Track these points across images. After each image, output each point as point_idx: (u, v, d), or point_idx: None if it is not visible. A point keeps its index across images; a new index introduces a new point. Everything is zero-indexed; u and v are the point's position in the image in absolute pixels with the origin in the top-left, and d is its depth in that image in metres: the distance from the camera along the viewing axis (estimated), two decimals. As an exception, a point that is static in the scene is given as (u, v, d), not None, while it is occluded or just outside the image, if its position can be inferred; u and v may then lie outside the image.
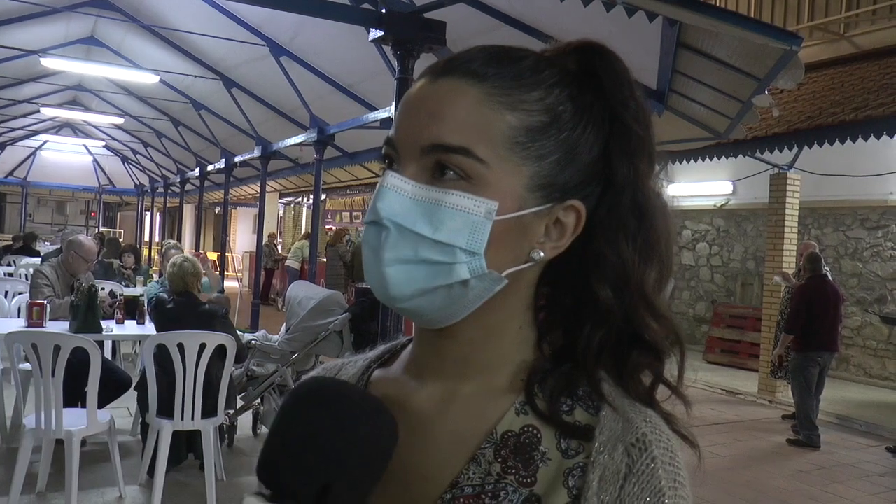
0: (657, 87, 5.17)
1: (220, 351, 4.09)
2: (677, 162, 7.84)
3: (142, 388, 4.23)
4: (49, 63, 9.04)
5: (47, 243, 16.13)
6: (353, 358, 0.80)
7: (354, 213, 18.39)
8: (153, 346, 4.01)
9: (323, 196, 12.90)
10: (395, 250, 0.61)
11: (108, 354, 5.72)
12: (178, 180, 16.81)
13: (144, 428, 4.38)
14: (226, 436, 5.03)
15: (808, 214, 9.56)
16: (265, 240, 12.98)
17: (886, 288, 9.15)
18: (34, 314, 4.69)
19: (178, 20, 8.45)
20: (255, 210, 16.42)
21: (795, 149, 7.31)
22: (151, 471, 4.09)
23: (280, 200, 21.23)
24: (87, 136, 18.35)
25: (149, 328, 4.94)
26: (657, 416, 0.64)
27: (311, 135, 8.26)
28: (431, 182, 0.61)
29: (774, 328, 7.81)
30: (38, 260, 9.60)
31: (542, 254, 0.64)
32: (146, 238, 21.96)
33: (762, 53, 4.31)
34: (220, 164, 12.54)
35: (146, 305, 5.23)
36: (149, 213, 22.41)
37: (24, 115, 15.27)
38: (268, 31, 7.46)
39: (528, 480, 0.61)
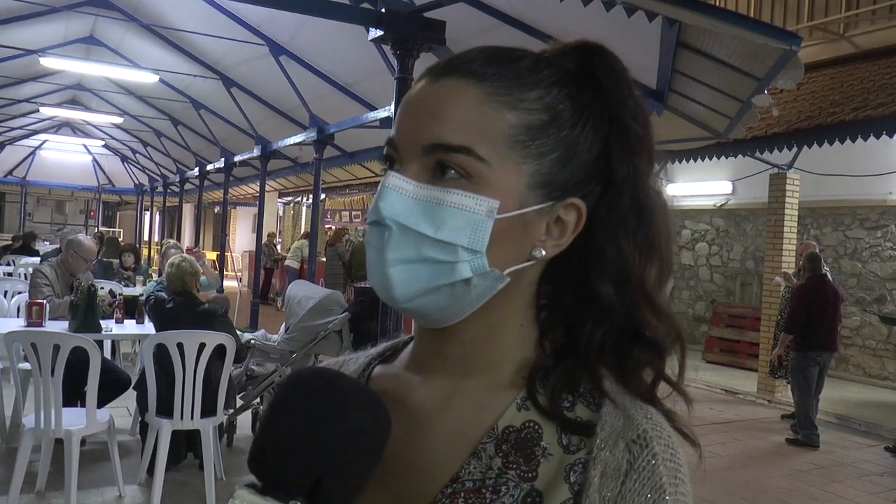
0: (657, 87, 5.17)
1: (220, 350, 4.09)
2: (677, 162, 7.85)
3: (141, 387, 4.23)
4: (48, 62, 9.03)
5: (46, 243, 16.14)
6: (355, 355, 0.80)
7: (354, 213, 18.40)
8: (152, 345, 4.02)
9: (322, 195, 12.88)
10: (398, 250, 0.61)
11: (107, 354, 5.72)
12: (178, 180, 16.81)
13: (144, 427, 4.38)
14: (225, 435, 5.03)
15: (808, 214, 9.56)
16: (264, 239, 12.98)
17: (886, 288, 9.16)
18: (33, 314, 4.69)
19: (177, 19, 8.45)
20: (255, 209, 16.41)
21: (795, 149, 7.31)
22: (151, 470, 4.09)
23: (279, 200, 21.23)
24: (87, 135, 18.34)
25: (148, 328, 4.94)
26: (658, 413, 0.64)
27: (311, 134, 8.26)
28: (433, 182, 0.62)
29: (774, 328, 7.82)
30: (37, 259, 9.60)
31: (543, 252, 0.64)
32: (145, 237, 21.95)
33: (762, 53, 4.31)
34: (220, 164, 12.53)
35: (145, 305, 5.23)
36: (148, 213, 22.40)
37: (24, 115, 15.27)
38: (267, 30, 7.46)
39: (530, 475, 0.61)
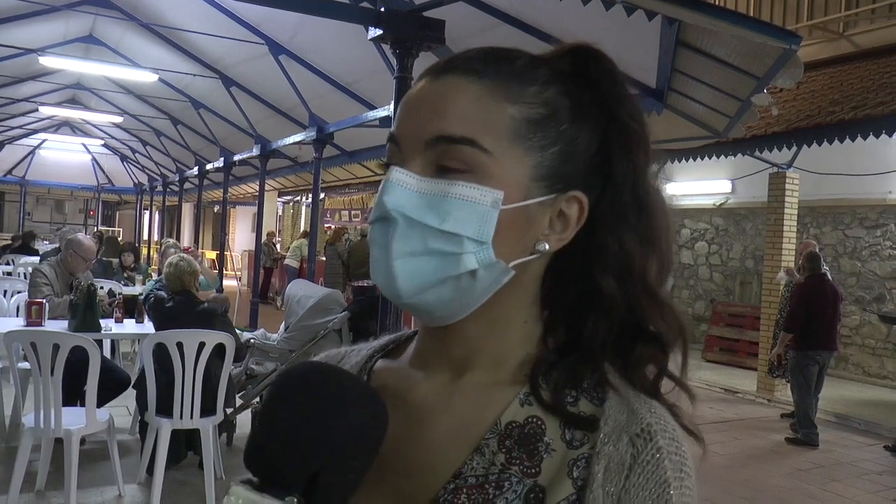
0: (656, 86, 5.17)
1: (220, 349, 4.09)
2: (676, 161, 7.85)
3: (141, 386, 4.23)
4: (48, 62, 9.02)
5: (46, 242, 16.12)
6: (357, 347, 0.80)
7: (353, 212, 18.39)
8: (152, 344, 4.02)
9: (322, 195, 12.90)
10: (404, 242, 0.61)
11: (107, 353, 5.71)
12: (177, 179, 16.79)
13: (143, 426, 4.38)
14: (224, 434, 5.03)
15: (807, 213, 9.56)
16: (263, 238, 12.98)
17: (885, 287, 9.16)
18: (33, 313, 4.69)
19: (176, 19, 8.44)
20: (254, 209, 16.41)
21: (794, 147, 7.31)
22: (151, 469, 4.09)
23: (279, 199, 21.22)
24: (86, 134, 18.33)
25: (148, 327, 4.93)
26: (662, 408, 0.64)
27: (310, 133, 8.26)
28: (437, 175, 0.62)
29: (773, 327, 7.82)
30: (36, 259, 9.60)
31: (547, 246, 0.64)
32: (145, 237, 21.94)
33: (761, 52, 4.31)
34: (219, 163, 12.53)
35: (144, 304, 5.23)
36: (147, 212, 22.38)
37: (23, 114, 15.25)
38: (267, 29, 7.45)
39: (533, 471, 0.61)
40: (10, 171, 21.10)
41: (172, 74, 9.83)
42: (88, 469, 4.41)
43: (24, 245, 12.84)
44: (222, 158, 12.30)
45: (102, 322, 4.85)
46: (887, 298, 9.12)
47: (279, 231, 21.45)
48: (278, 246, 18.41)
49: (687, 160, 7.83)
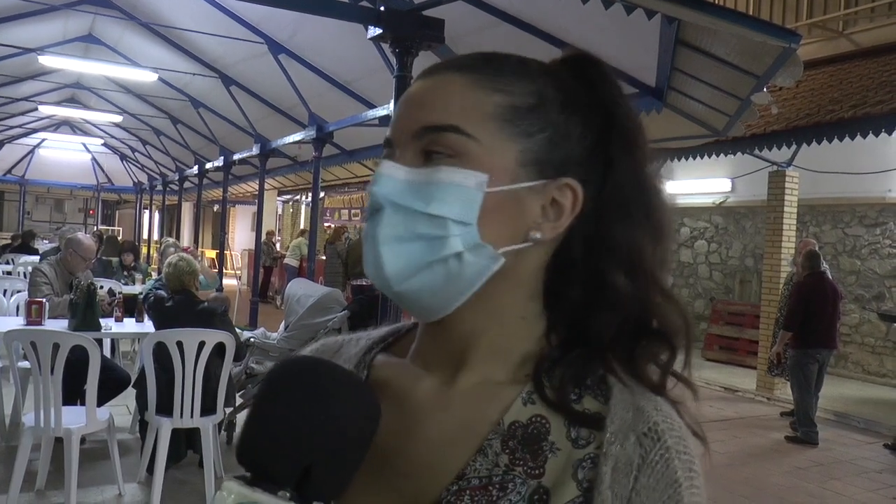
0: (656, 85, 5.17)
1: (220, 349, 4.09)
2: (676, 159, 7.85)
3: (141, 385, 4.23)
4: (47, 61, 9.02)
5: (45, 241, 16.12)
6: (356, 336, 0.79)
7: (353, 211, 18.39)
8: (152, 343, 4.02)
9: (321, 194, 12.89)
10: (390, 227, 0.62)
11: (106, 352, 5.72)
12: (177, 178, 16.79)
13: (143, 426, 4.38)
14: (224, 433, 5.03)
15: (807, 212, 9.56)
16: (263, 237, 12.98)
17: (884, 285, 9.17)
18: (33, 312, 4.69)
19: (176, 18, 8.44)
20: (254, 208, 16.41)
21: (794, 146, 7.31)
22: (151, 468, 4.09)
23: (279, 198, 21.23)
24: (86, 133, 18.33)
25: (147, 326, 4.94)
26: (667, 405, 0.63)
27: (310, 132, 8.26)
28: (424, 164, 0.63)
29: (773, 325, 7.82)
30: (36, 258, 9.60)
31: (539, 234, 0.64)
32: (145, 236, 21.94)
33: (761, 51, 4.31)
34: (219, 162, 12.52)
35: (143, 303, 5.23)
36: (147, 211, 22.38)
37: (23, 113, 15.25)
38: (266, 28, 7.45)
39: (537, 472, 0.61)
40: (9, 171, 21.10)
41: (172, 74, 9.83)
42: (88, 468, 4.42)
43: (23, 244, 12.84)
44: (222, 157, 12.29)
45: (102, 321, 4.85)
46: (887, 297, 9.12)
47: (279, 230, 21.45)
48: (278, 245, 18.41)
49: (686, 159, 7.83)
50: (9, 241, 14.10)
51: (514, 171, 0.63)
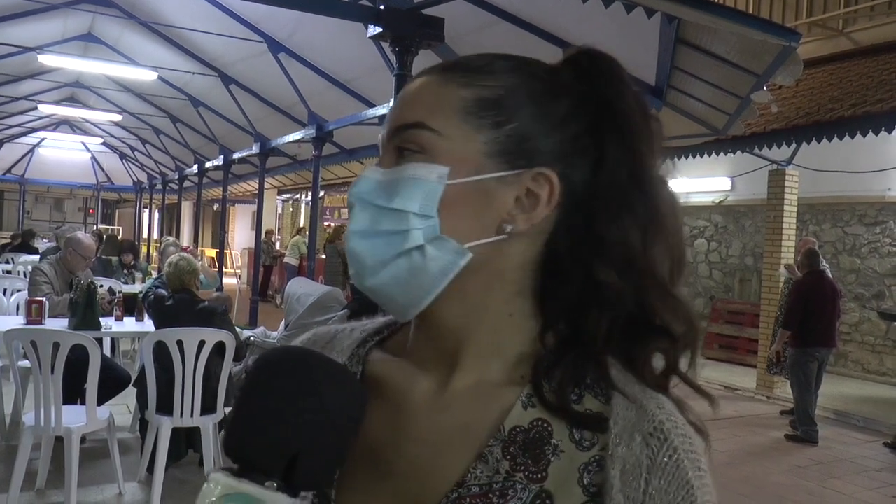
0: (656, 83, 5.17)
1: (220, 348, 4.09)
2: (676, 158, 7.80)
3: (141, 384, 4.23)
4: (47, 60, 9.02)
5: (45, 240, 16.12)
6: (349, 326, 0.79)
7: (353, 210, 18.35)
8: (152, 342, 4.02)
9: (321, 192, 12.89)
10: (357, 223, 0.64)
11: (107, 351, 5.72)
12: (177, 177, 16.79)
13: (144, 425, 4.38)
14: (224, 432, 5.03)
15: (807, 210, 9.56)
16: (263, 236, 12.98)
17: (884, 284, 9.17)
18: (33, 311, 4.70)
19: (175, 17, 8.44)
20: (254, 207, 16.41)
21: (794, 145, 7.31)
22: (151, 467, 4.09)
23: (278, 197, 21.23)
24: (86, 133, 18.32)
25: (148, 325, 4.94)
26: (669, 402, 0.62)
27: (310, 131, 8.25)
28: (396, 163, 0.64)
29: (773, 324, 7.83)
30: (36, 257, 9.60)
31: (511, 227, 0.62)
32: (144, 235, 21.94)
33: (761, 50, 4.31)
34: (219, 161, 12.52)
35: (143, 302, 5.23)
36: (147, 210, 22.38)
37: (22, 112, 15.24)
38: (266, 27, 7.45)
39: (539, 476, 0.60)
40: (9, 170, 21.09)
41: (172, 73, 9.82)
42: (89, 467, 4.42)
43: (23, 243, 12.84)
44: (222, 156, 12.29)
45: (102, 320, 4.85)
46: (886, 295, 9.13)
47: (278, 229, 21.45)
48: (278, 244, 18.41)
49: (686, 157, 7.83)
50: (9, 241, 14.10)
51: (480, 163, 0.62)
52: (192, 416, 4.05)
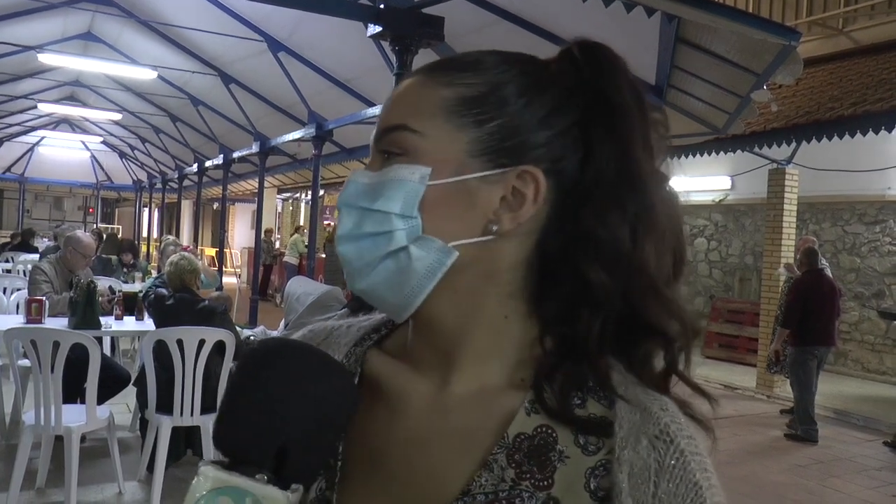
0: (655, 83, 5.18)
1: (220, 347, 4.09)
2: (675, 157, 7.77)
3: (141, 384, 4.23)
4: (46, 59, 9.01)
5: (45, 239, 16.12)
6: (346, 322, 0.78)
7: (353, 209, 18.35)
8: (152, 342, 4.02)
9: (321, 192, 12.89)
10: (344, 227, 0.65)
11: (106, 350, 5.72)
12: (177, 176, 16.78)
13: (143, 424, 4.39)
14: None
15: (807, 209, 9.57)
16: (263, 235, 12.98)
17: (884, 283, 9.17)
18: (33, 310, 4.69)
19: (175, 16, 8.43)
20: (254, 206, 16.41)
21: (794, 144, 7.32)
22: (151, 467, 4.10)
23: (278, 196, 21.22)
24: (85, 132, 18.31)
25: (148, 324, 4.94)
26: (672, 403, 0.62)
27: (310, 130, 8.25)
28: (382, 166, 0.64)
29: (773, 323, 7.83)
30: (36, 256, 9.60)
31: (496, 227, 0.62)
32: (144, 234, 21.94)
33: (761, 49, 4.31)
34: (218, 160, 12.51)
35: (143, 301, 5.23)
36: (147, 209, 22.38)
37: (22, 111, 15.24)
38: (266, 26, 7.45)
39: (545, 483, 0.59)
40: (8, 169, 21.07)
41: (171, 72, 9.82)
42: (88, 466, 4.42)
43: (23, 242, 12.83)
44: (221, 155, 12.28)
45: (102, 319, 4.85)
46: (886, 294, 9.13)
47: (278, 228, 21.45)
48: (278, 243, 18.41)
49: (686, 156, 7.83)
50: (8, 240, 14.10)
51: (463, 162, 0.62)
52: (192, 415, 4.05)
